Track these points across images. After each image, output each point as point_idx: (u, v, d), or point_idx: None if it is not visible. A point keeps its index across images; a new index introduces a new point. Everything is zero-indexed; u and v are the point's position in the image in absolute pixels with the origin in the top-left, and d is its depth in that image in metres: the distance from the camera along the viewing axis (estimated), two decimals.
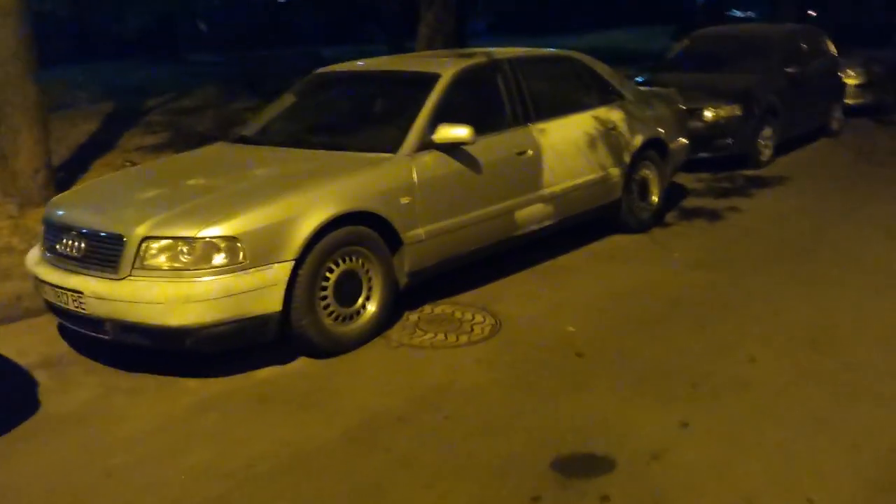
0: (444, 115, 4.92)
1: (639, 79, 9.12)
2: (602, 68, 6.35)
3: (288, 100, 5.73)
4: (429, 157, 4.76)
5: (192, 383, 4.11)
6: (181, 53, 20.75)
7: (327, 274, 4.25)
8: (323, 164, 4.59)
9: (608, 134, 6.01)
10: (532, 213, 5.42)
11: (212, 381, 4.12)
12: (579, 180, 5.75)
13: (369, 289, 4.47)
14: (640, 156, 6.36)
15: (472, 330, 4.62)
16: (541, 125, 5.52)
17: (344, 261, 4.32)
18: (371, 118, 5.42)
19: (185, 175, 4.72)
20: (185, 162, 5.26)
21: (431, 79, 5.07)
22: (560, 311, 4.89)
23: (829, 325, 4.54)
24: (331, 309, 4.29)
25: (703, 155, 8.49)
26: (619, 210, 6.29)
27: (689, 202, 7.47)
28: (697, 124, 8.42)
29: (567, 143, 5.67)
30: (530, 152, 5.35)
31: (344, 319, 4.37)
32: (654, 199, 6.62)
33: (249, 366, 4.23)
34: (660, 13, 29.72)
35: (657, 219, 6.68)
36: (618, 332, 4.55)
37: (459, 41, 24.49)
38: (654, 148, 6.52)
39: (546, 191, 5.48)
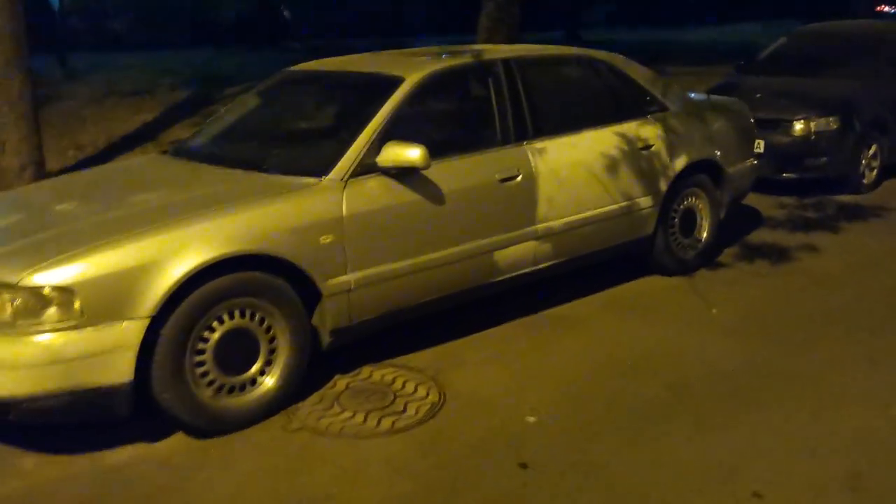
0: (403, 130, 3.92)
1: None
2: (638, 73, 5.13)
3: (246, 102, 4.83)
4: (372, 184, 3.75)
5: (29, 462, 3.28)
6: (281, 41, 20.43)
7: (205, 334, 3.33)
8: (227, 189, 3.66)
9: (637, 155, 4.81)
10: (519, 254, 4.32)
11: (53, 460, 3.28)
12: (591, 212, 4.59)
13: (270, 352, 3.52)
14: (685, 182, 5.12)
15: (405, 410, 3.59)
16: (540, 144, 4.40)
17: (231, 316, 3.39)
18: (313, 131, 4.43)
19: (67, 197, 3.90)
20: (84, 179, 4.44)
21: (390, 84, 4.04)
22: (529, 388, 3.79)
23: (891, 446, 3.25)
24: (210, 378, 3.37)
25: (789, 176, 7.09)
26: (651, 248, 5.08)
27: (759, 235, 6.12)
28: (784, 139, 7.04)
29: (575, 167, 4.52)
30: (520, 178, 4.24)
31: (231, 390, 3.44)
32: (704, 234, 5.35)
33: (113, 440, 3.37)
34: (799, 5, 27.22)
35: (706, 258, 5.41)
36: (591, 430, 3.41)
37: (571, 32, 23.25)
38: (706, 172, 5.26)
39: (541, 226, 4.36)
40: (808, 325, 4.45)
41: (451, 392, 3.74)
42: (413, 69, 4.14)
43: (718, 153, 5.30)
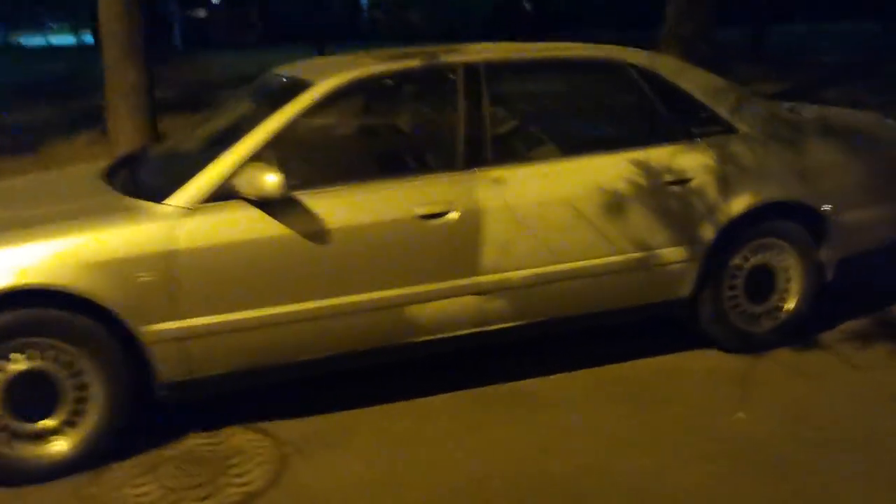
0: (301, 147, 3.27)
1: None
2: (696, 82, 3.84)
3: (230, 104, 4.35)
4: (234, 213, 3.10)
5: None
6: (531, 32, 20.05)
7: None
8: (58, 210, 3.23)
9: (661, 190, 3.61)
10: (450, 311, 3.39)
11: None
12: (577, 264, 3.52)
13: (78, 402, 3.04)
14: (752, 229, 3.79)
15: (210, 496, 2.92)
16: (499, 172, 3.42)
17: (25, 356, 2.96)
18: (207, 144, 3.75)
19: None
20: None
21: (294, 91, 3.35)
22: (385, 496, 2.92)
23: None
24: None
25: None
26: (695, 314, 3.83)
27: None
28: None
29: (553, 203, 3.46)
30: (454, 214, 3.32)
31: (25, 439, 3.02)
32: (789, 303, 3.94)
33: None
34: None
35: (790, 334, 3.98)
36: None
37: (758, 36, 20.04)
38: (792, 218, 3.86)
39: (487, 278, 3.40)
40: (845, 464, 3.00)
41: (288, 482, 2.99)
42: (329, 74, 3.40)
43: (816, 193, 3.84)
